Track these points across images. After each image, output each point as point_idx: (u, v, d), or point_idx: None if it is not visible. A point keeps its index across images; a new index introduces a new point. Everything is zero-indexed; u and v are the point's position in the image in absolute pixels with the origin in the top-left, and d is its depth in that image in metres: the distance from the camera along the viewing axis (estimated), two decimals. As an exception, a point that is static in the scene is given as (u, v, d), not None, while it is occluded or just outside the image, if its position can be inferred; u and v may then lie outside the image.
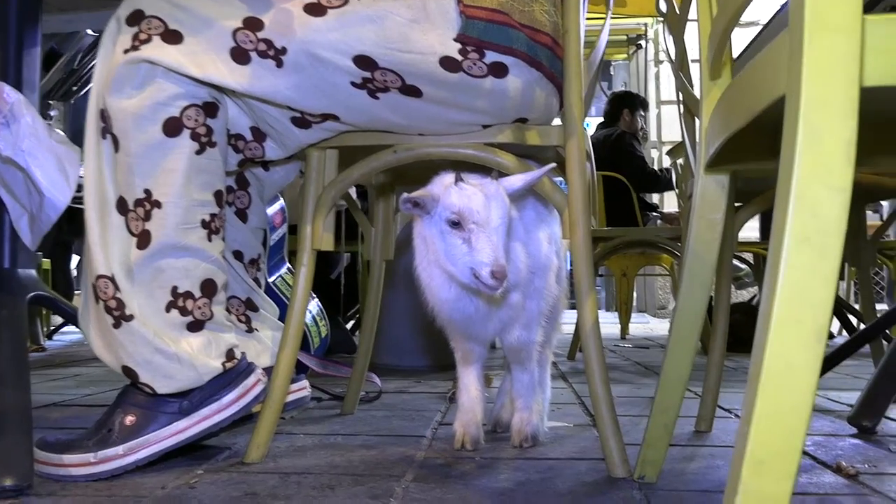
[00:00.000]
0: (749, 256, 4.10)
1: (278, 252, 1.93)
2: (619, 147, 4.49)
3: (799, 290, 0.53)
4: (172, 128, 1.11)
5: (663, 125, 7.88)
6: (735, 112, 0.81)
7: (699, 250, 1.08)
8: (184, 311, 1.15)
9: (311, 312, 1.98)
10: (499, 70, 1.13)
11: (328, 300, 3.07)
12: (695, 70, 1.30)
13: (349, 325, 3.68)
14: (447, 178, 1.11)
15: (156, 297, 1.14)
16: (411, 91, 1.13)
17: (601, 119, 5.14)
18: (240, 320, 1.35)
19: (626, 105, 4.87)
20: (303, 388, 1.41)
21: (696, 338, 1.09)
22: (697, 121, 1.34)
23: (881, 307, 4.42)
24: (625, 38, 8.34)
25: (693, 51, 1.31)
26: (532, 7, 1.16)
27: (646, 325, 5.91)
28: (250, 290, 1.37)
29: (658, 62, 8.14)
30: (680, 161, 3.93)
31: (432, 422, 1.56)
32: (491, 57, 1.12)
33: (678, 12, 1.94)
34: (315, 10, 1.10)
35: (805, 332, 0.53)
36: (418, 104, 1.15)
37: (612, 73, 9.50)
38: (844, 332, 3.73)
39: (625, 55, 8.60)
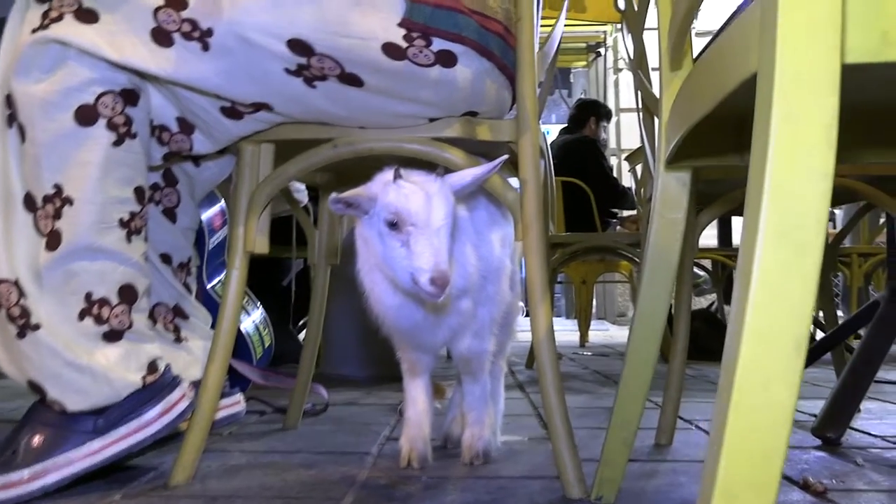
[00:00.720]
0: (708, 263, 4.08)
1: (218, 256, 1.82)
2: (586, 153, 4.45)
3: (775, 292, 0.46)
4: (86, 116, 1.01)
5: (622, 133, 7.90)
6: (698, 99, 0.75)
7: (659, 252, 1.01)
8: (99, 320, 1.04)
9: (253, 321, 1.87)
10: (447, 59, 1.05)
11: (279, 308, 2.96)
12: (655, 77, 1.24)
13: (301, 335, 3.56)
14: (388, 174, 1.03)
15: (67, 304, 1.03)
16: (351, 80, 1.04)
17: (562, 126, 5.10)
18: (167, 329, 1.24)
19: (594, 113, 4.85)
20: (236, 403, 1.31)
21: (656, 345, 1.01)
22: (657, 120, 1.29)
23: (838, 314, 4.43)
24: (584, 45, 8.36)
25: (652, 54, 1.25)
26: None
27: (605, 333, 5.88)
28: (179, 296, 1.27)
29: (617, 70, 8.16)
30: (638, 166, 3.91)
31: (380, 437, 1.47)
32: (438, 44, 1.04)
33: (636, 9, 1.90)
34: None
35: (783, 342, 0.45)
36: (359, 94, 1.06)
37: (571, 80, 9.53)
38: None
39: (584, 62, 8.62)
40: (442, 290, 0.96)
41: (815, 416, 1.45)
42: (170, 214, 1.25)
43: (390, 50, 1.02)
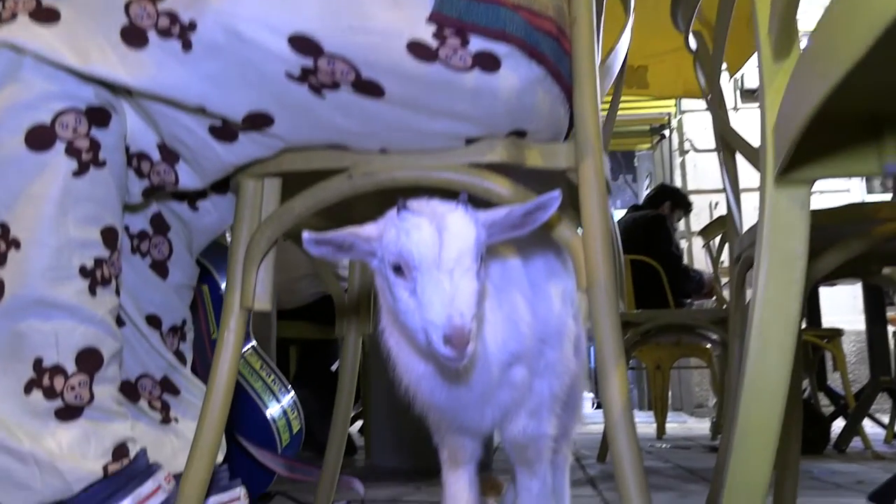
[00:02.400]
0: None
1: (242, 330, 1.61)
2: (656, 229, 4.17)
3: None
4: (40, 139, 0.83)
5: (691, 216, 7.60)
6: (820, 74, 0.52)
7: (773, 297, 0.75)
8: (50, 393, 0.83)
9: (282, 406, 1.64)
10: (487, 62, 0.84)
11: (327, 395, 2.73)
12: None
13: (353, 424, 3.31)
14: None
15: (10, 374, 0.83)
16: (369, 88, 0.84)
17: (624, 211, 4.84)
18: (152, 407, 1.02)
19: (671, 198, 4.59)
20: (234, 500, 1.07)
21: (776, 427, 0.74)
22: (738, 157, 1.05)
23: None
24: (647, 127, 8.18)
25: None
26: None
27: (683, 425, 5.43)
28: (169, 367, 1.05)
29: (683, 152, 7.93)
30: (714, 241, 3.63)
31: (418, 543, 1.20)
32: (477, 44, 0.84)
33: (710, 52, 1.68)
34: None
35: None
36: (379, 107, 0.85)
37: (635, 163, 9.32)
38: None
39: (648, 145, 8.42)
40: (460, 350, 0.73)
41: None
42: (159, 268, 1.04)
43: (417, 50, 0.82)
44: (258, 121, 0.87)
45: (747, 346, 0.76)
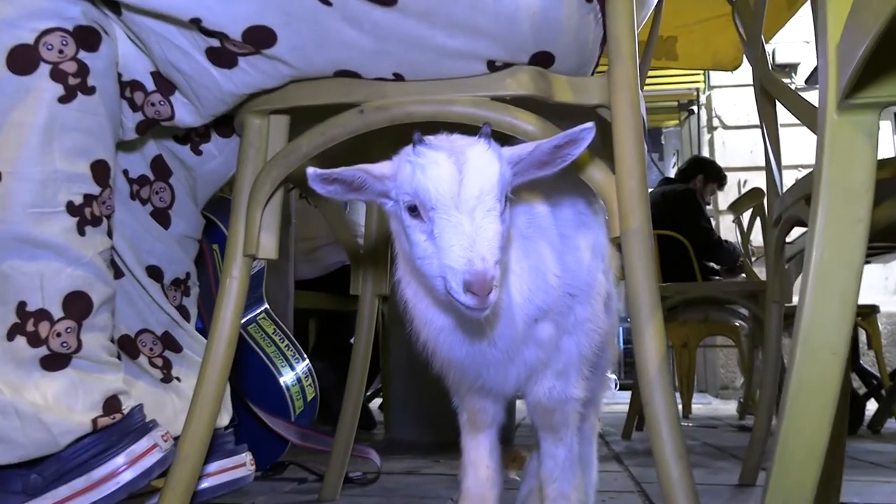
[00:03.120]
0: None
1: (255, 291, 1.54)
2: (686, 202, 4.04)
3: None
4: (22, 61, 0.76)
5: (719, 194, 7.44)
6: None
7: (833, 239, 0.67)
8: (34, 340, 0.77)
9: (295, 373, 1.58)
10: None
11: (346, 368, 2.68)
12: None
13: (373, 400, 3.26)
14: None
15: (-7, 318, 0.76)
16: None
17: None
18: (153, 364, 0.96)
19: (704, 171, 4.46)
20: (239, 466, 1.00)
21: (835, 389, 0.66)
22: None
23: None
24: (675, 104, 8.00)
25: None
26: None
27: (708, 406, 5.33)
28: (171, 323, 0.98)
29: (712, 128, 7.76)
30: (745, 215, 3.52)
31: (433, 515, 1.13)
32: None
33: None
34: None
35: None
36: (391, 17, 0.77)
37: (662, 141, 9.14)
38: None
39: (676, 121, 8.24)
40: (482, 298, 0.66)
41: None
42: (161, 217, 0.97)
43: None
44: (260, 38, 0.79)
45: (802, 299, 0.67)
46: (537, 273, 0.83)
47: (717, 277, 4.13)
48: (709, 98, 7.59)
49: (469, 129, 0.78)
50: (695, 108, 7.98)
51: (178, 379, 0.98)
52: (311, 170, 0.69)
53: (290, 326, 2.20)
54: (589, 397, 0.98)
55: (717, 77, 7.15)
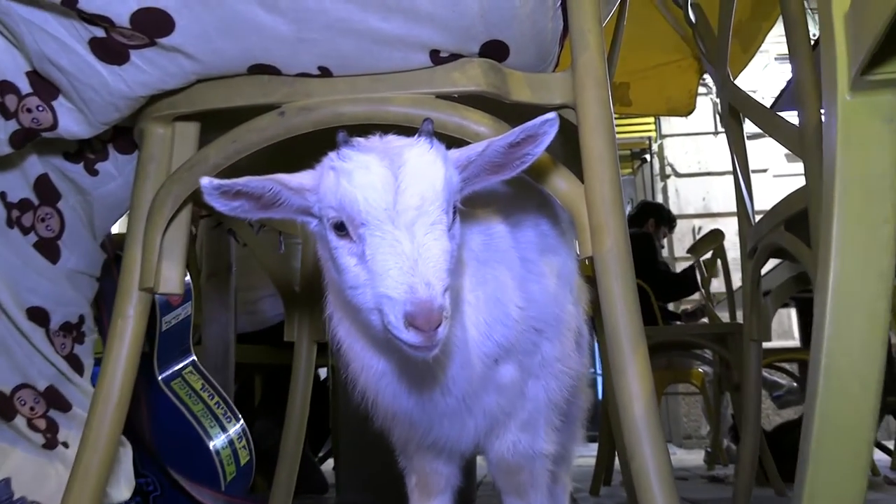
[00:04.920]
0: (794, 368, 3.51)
1: (180, 341, 1.38)
2: (644, 246, 4.00)
3: None
4: None
5: (674, 240, 7.46)
6: None
7: (856, 242, 0.54)
8: None
9: (227, 435, 1.40)
10: None
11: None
12: None
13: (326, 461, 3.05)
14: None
15: None
16: None
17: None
18: (32, 427, 0.79)
19: (655, 215, 4.46)
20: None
21: (870, 425, 0.53)
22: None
23: None
24: (629, 152, 8.07)
25: None
26: None
27: (673, 457, 5.20)
28: (57, 376, 0.82)
29: (665, 176, 7.82)
30: (704, 257, 3.47)
31: None
32: None
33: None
34: None
35: None
36: None
37: (616, 190, 9.20)
38: None
39: (630, 170, 8.30)
40: (429, 334, 0.53)
41: None
42: (47, 248, 0.82)
43: None
44: (153, 22, 0.64)
45: (821, 319, 0.55)
46: (496, 303, 0.70)
47: (678, 322, 4.05)
48: (661, 146, 7.68)
49: (410, 132, 0.65)
50: (647, 156, 8.06)
51: (65, 444, 0.81)
52: (205, 180, 0.56)
53: (231, 381, 2.03)
54: (560, 452, 0.84)
55: (668, 125, 7.26)
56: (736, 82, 1.30)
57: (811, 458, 0.53)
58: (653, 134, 7.66)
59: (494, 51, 0.70)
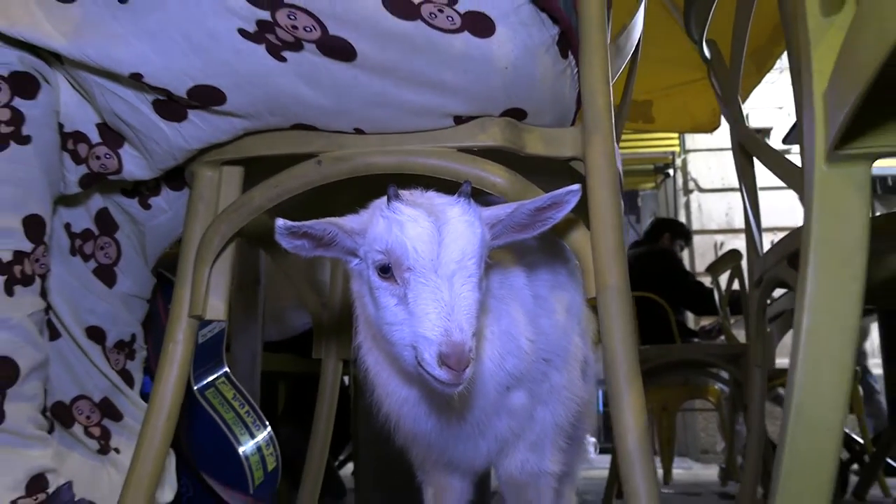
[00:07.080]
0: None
1: (214, 353, 1.46)
2: (668, 264, 4.04)
3: None
4: None
5: (696, 255, 7.46)
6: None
7: (826, 301, 0.61)
8: (-52, 410, 0.69)
9: (256, 442, 1.49)
10: (480, 23, 0.71)
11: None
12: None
13: (344, 466, 3.13)
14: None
15: None
16: (338, 49, 0.71)
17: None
18: (89, 434, 0.88)
19: (669, 230, 4.49)
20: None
21: (831, 467, 0.60)
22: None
23: None
24: (651, 167, 8.08)
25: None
26: None
27: (689, 472, 5.22)
28: (111, 389, 0.91)
29: (688, 191, 7.83)
30: (722, 277, 3.49)
31: None
32: (467, 1, 0.71)
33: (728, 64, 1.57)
34: None
35: None
36: (350, 73, 0.72)
37: (639, 203, 9.20)
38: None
39: (652, 184, 8.31)
40: (458, 373, 0.61)
41: None
42: (105, 274, 0.91)
43: (395, 3, 0.69)
44: (207, 96, 0.74)
45: (794, 368, 0.62)
46: (509, 337, 0.78)
47: (695, 339, 4.08)
48: (684, 161, 7.68)
49: (434, 183, 0.73)
50: (671, 171, 8.07)
51: (116, 450, 0.90)
52: (280, 221, 0.64)
53: (257, 389, 2.11)
54: (565, 471, 0.91)
55: (692, 140, 7.25)
56: (763, 100, 1.36)
57: (780, 491, 0.60)
58: (676, 149, 7.65)
59: (514, 116, 0.78)
